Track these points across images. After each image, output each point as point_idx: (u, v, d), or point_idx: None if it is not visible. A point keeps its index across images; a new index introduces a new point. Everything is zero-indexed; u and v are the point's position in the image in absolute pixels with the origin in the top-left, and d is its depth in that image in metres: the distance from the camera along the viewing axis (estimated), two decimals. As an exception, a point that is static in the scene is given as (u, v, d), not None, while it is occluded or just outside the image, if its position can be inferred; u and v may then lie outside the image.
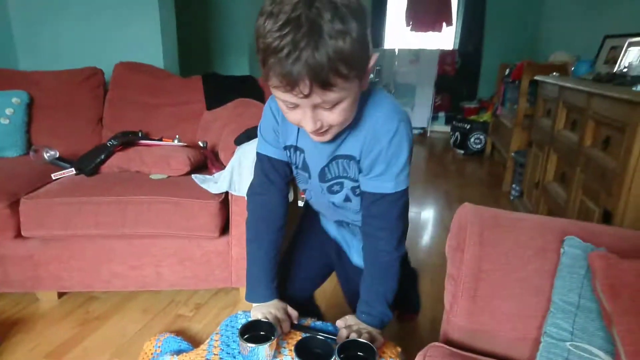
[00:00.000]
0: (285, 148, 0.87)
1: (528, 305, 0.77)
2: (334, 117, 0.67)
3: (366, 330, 0.82)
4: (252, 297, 0.93)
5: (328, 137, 0.72)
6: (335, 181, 0.84)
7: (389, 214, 0.81)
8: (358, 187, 0.83)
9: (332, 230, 1.07)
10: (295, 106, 0.66)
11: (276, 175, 0.89)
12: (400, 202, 0.81)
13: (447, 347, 0.78)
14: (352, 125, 0.75)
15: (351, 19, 0.59)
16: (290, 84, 0.60)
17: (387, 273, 0.85)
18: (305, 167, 0.86)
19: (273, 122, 0.85)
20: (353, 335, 0.78)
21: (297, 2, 0.58)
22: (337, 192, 0.85)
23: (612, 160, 1.35)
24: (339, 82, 0.61)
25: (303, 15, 0.57)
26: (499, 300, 0.79)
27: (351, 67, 0.61)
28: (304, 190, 0.94)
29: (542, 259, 0.77)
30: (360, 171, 0.80)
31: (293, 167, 0.90)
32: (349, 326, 0.83)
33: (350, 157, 0.80)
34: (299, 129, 0.82)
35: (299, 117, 0.68)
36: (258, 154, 0.90)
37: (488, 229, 0.81)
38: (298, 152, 0.85)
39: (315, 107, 0.65)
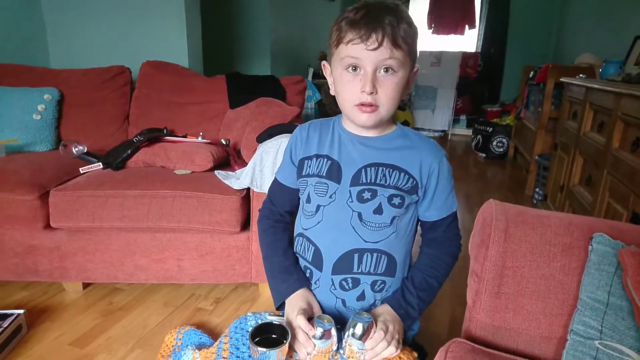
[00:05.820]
0: (308, 158, 0.88)
1: (553, 303, 0.76)
2: (385, 88, 0.76)
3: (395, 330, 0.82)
4: (279, 297, 0.90)
5: (373, 118, 0.78)
6: (367, 187, 0.82)
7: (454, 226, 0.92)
8: (397, 197, 0.82)
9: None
10: (357, 72, 0.75)
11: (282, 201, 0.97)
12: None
13: (470, 342, 0.77)
14: (395, 135, 0.86)
15: (414, 23, 0.76)
16: (367, 32, 0.71)
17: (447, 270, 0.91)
18: (333, 174, 0.84)
19: (297, 141, 0.91)
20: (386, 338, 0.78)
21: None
22: (368, 200, 0.82)
23: (642, 161, 1.32)
24: (403, 48, 0.73)
25: (382, 3, 0.75)
26: (523, 298, 0.78)
27: (411, 47, 0.75)
28: (310, 215, 0.88)
29: (568, 256, 0.76)
30: (415, 193, 0.85)
31: (311, 179, 0.87)
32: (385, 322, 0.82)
33: (393, 167, 0.83)
34: (332, 138, 0.87)
35: (358, 85, 0.75)
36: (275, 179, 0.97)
37: (513, 225, 0.80)
38: (325, 160, 0.86)
39: (376, 69, 0.74)
